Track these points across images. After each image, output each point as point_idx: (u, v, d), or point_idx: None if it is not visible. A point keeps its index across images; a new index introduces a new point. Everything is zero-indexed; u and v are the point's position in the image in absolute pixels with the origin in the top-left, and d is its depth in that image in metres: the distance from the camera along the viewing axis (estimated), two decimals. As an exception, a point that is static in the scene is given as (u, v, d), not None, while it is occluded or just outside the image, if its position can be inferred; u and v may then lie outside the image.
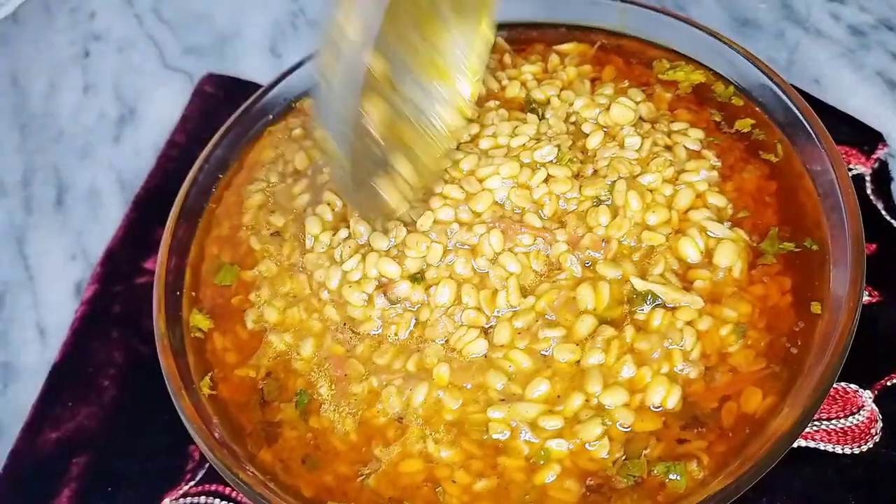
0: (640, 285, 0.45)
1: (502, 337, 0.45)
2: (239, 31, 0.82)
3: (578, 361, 0.44)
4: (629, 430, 0.42)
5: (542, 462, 0.42)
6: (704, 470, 0.40)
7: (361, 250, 0.49)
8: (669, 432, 0.41)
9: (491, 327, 0.46)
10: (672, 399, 0.42)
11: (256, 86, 0.74)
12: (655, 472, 0.40)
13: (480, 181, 0.50)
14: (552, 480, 0.41)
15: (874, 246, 0.57)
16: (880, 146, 0.61)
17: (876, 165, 0.61)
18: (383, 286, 0.47)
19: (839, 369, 0.40)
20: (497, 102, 0.56)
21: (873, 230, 0.57)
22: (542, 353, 0.45)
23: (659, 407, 0.42)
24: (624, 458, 0.41)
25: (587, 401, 0.42)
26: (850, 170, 0.60)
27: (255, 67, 0.78)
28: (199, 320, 0.51)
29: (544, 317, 0.46)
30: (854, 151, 0.62)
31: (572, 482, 0.40)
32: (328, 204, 0.53)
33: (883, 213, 0.59)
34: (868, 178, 0.60)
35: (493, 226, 0.48)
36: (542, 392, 0.43)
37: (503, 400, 0.43)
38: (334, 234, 0.51)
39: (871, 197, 0.60)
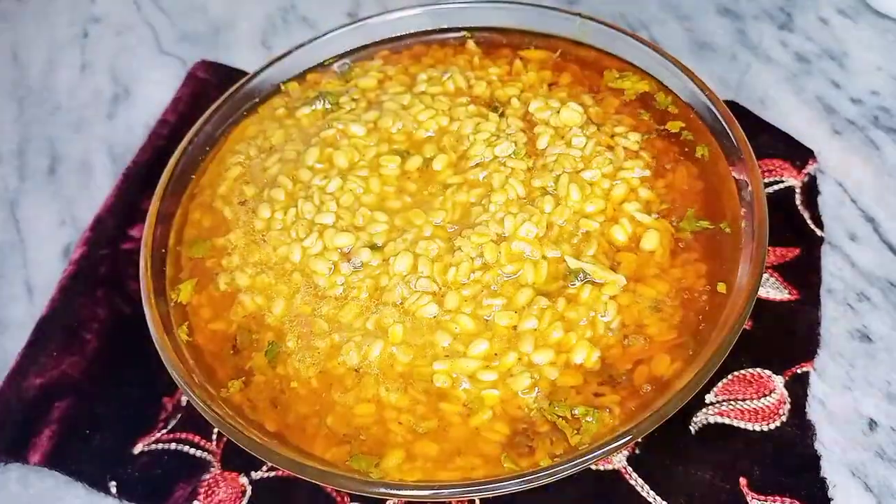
0: (573, 263, 0.50)
1: (451, 303, 0.50)
2: (232, 22, 0.86)
3: (515, 326, 0.49)
4: (554, 382, 0.47)
5: (477, 408, 0.47)
6: (615, 420, 0.45)
7: (315, 228, 0.54)
8: (588, 387, 0.47)
9: (442, 295, 0.51)
10: (592, 359, 0.47)
11: (246, 74, 0.79)
12: (577, 412, 0.45)
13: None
14: (485, 422, 0.46)
15: (798, 250, 0.62)
16: (811, 162, 0.66)
17: (806, 179, 0.66)
18: (346, 254, 0.53)
19: (733, 340, 0.45)
20: (468, 99, 0.61)
21: (798, 237, 0.62)
22: (485, 318, 0.50)
23: (580, 366, 0.48)
24: (549, 404, 0.46)
25: (520, 358, 0.48)
26: (781, 182, 0.65)
27: (245, 58, 0.81)
28: (184, 287, 0.55)
29: (490, 288, 0.51)
30: (787, 165, 0.66)
31: (502, 425, 0.46)
32: (280, 187, 0.57)
33: (809, 221, 0.63)
34: (798, 190, 0.65)
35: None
36: (482, 350, 0.48)
37: (447, 356, 0.48)
38: (285, 214, 0.55)
39: (800, 207, 0.64)
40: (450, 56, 0.64)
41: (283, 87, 0.65)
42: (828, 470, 0.52)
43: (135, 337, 0.57)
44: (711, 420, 0.54)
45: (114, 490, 0.54)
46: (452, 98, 0.61)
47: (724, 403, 0.55)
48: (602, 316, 0.49)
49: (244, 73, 0.77)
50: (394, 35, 0.67)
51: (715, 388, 0.55)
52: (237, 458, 0.54)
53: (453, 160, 0.58)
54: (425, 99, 0.61)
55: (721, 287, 0.49)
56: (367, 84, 0.62)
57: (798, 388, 0.55)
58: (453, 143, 0.58)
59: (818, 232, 0.63)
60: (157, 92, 0.80)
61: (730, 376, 0.56)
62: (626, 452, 0.53)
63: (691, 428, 0.54)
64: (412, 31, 0.66)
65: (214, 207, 0.58)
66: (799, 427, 0.54)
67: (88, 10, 0.89)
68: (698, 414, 0.54)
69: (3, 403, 0.59)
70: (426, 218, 0.55)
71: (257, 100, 0.64)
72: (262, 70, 0.64)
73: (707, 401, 0.55)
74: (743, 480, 0.52)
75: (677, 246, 0.52)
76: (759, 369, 0.56)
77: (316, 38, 0.65)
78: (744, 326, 0.45)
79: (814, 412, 0.54)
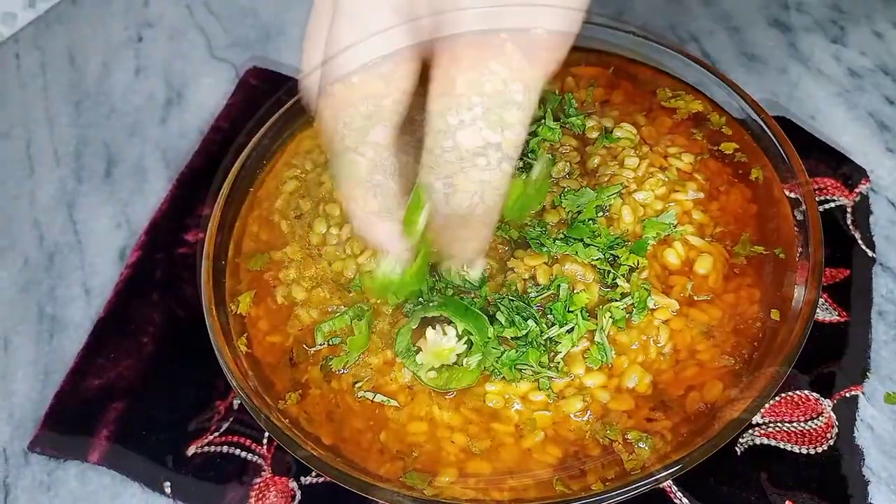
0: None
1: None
2: (282, 27, 0.87)
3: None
4: (606, 406, 0.48)
5: (529, 429, 0.47)
6: (667, 446, 0.45)
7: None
8: (640, 412, 0.47)
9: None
10: (644, 384, 0.48)
11: (296, 80, 0.80)
12: (629, 437, 0.46)
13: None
14: (537, 444, 0.47)
15: (848, 272, 0.61)
16: (863, 181, 0.65)
17: (857, 199, 0.65)
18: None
19: (788, 370, 0.45)
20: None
21: (849, 258, 0.62)
22: (537, 338, 0.50)
23: (632, 390, 0.48)
24: (602, 427, 0.47)
25: (572, 381, 0.48)
26: (832, 201, 0.65)
27: (296, 62, 0.82)
28: (243, 299, 0.56)
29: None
30: (839, 184, 0.66)
31: (553, 447, 0.46)
32: (336, 202, 0.57)
33: (860, 242, 0.63)
34: (849, 210, 0.64)
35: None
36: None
37: (501, 378, 0.49)
38: (340, 229, 0.56)
39: (850, 227, 0.63)
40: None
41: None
42: (875, 496, 0.52)
43: (189, 341, 0.59)
44: (758, 441, 0.54)
45: (168, 490, 0.56)
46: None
47: (772, 425, 0.55)
48: (654, 340, 0.49)
49: (295, 80, 0.79)
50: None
51: (762, 410, 0.55)
52: (287, 463, 0.56)
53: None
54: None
55: (774, 314, 0.49)
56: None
57: (846, 412, 0.55)
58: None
59: (869, 253, 0.63)
60: (208, 97, 0.81)
61: (778, 398, 0.56)
62: (671, 471, 0.53)
63: (737, 449, 0.54)
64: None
65: (272, 221, 0.59)
66: (847, 451, 0.54)
67: (142, 14, 0.91)
68: (745, 435, 0.54)
69: (62, 403, 0.61)
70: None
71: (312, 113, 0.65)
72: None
73: (754, 422, 0.55)
74: (789, 503, 0.52)
75: (731, 271, 0.52)
76: (807, 391, 0.56)
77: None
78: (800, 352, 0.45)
79: (862, 437, 0.54)
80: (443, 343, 0.48)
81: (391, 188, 0.46)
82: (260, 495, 0.56)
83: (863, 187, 0.66)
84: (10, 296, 0.70)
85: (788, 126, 0.69)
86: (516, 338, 0.48)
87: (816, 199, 0.65)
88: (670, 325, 0.50)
